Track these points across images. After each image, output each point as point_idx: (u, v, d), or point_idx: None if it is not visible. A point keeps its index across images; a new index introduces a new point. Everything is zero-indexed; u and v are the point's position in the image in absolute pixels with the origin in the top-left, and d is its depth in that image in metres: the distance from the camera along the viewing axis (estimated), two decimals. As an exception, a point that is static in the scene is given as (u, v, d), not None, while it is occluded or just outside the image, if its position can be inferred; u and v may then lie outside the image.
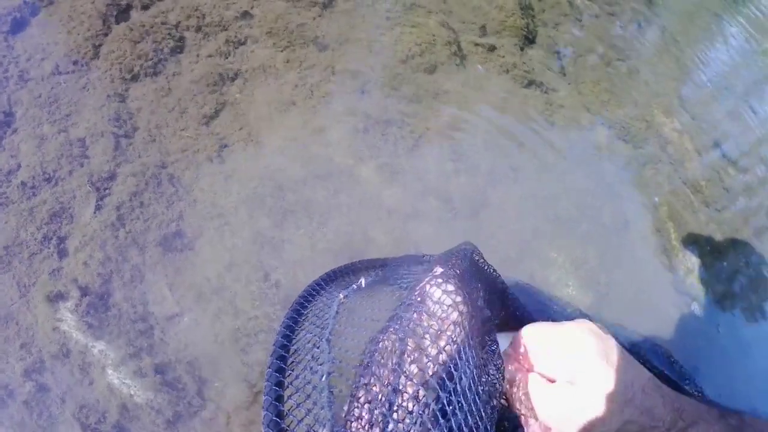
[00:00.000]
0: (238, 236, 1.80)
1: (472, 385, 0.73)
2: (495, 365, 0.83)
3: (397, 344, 0.75)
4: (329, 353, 0.88)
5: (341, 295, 1.06)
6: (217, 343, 1.60)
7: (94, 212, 1.70)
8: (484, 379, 0.78)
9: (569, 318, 1.43)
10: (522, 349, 0.83)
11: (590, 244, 2.23)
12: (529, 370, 0.82)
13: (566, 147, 2.54)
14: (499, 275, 1.10)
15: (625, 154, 2.66)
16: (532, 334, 0.83)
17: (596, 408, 0.72)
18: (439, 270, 0.81)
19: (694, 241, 2.42)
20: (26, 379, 1.43)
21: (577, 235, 2.24)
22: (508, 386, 0.82)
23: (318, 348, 0.90)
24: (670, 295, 2.23)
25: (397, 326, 0.77)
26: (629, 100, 2.90)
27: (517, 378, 0.82)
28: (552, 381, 0.78)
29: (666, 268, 2.31)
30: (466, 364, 0.74)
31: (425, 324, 0.76)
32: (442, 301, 0.78)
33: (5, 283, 1.55)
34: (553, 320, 1.14)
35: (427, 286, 0.80)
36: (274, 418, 0.74)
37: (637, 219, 2.43)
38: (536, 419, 0.78)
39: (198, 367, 1.56)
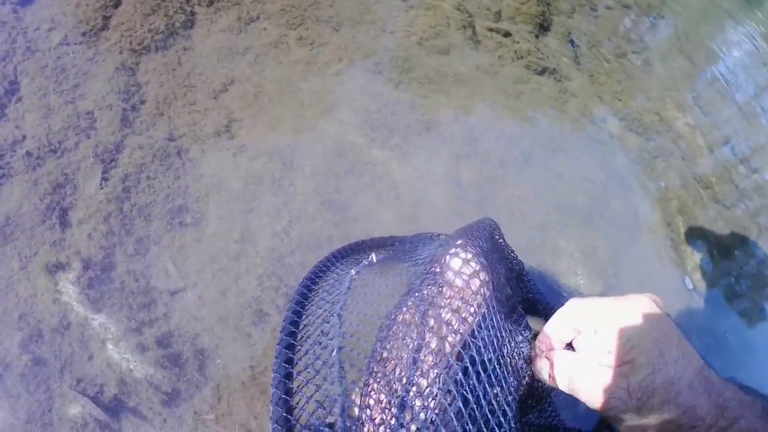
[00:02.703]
0: (245, 212, 1.77)
1: (492, 356, 0.71)
2: (523, 336, 0.81)
3: (416, 317, 0.72)
4: (340, 328, 0.85)
5: (353, 271, 1.03)
6: (220, 319, 1.58)
7: (100, 184, 1.67)
8: (507, 350, 0.75)
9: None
10: (566, 326, 0.79)
11: (600, 234, 2.21)
12: (567, 348, 0.78)
13: (578, 136, 2.51)
14: (516, 255, 1.08)
15: (637, 145, 2.63)
16: (577, 308, 0.79)
17: (630, 402, 0.69)
18: (459, 242, 0.79)
19: (702, 237, 2.40)
20: (23, 351, 1.41)
21: (588, 224, 2.22)
22: (545, 368, 0.79)
23: (328, 323, 0.88)
24: (676, 289, 2.21)
25: (415, 299, 0.75)
26: (642, 93, 2.88)
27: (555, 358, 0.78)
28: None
29: (673, 262, 2.29)
30: (488, 333, 0.72)
31: (445, 295, 0.73)
32: (462, 270, 0.75)
33: (6, 254, 1.52)
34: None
35: (447, 257, 0.77)
36: (283, 395, 0.72)
37: (647, 211, 2.41)
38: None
39: (200, 344, 1.54)
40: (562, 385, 0.76)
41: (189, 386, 1.48)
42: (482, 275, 0.75)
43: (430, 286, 0.75)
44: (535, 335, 0.89)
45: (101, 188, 1.67)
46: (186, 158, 1.81)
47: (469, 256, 0.76)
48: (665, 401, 0.68)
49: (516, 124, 2.40)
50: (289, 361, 0.78)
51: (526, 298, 1.10)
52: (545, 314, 1.09)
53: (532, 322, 1.11)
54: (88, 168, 1.69)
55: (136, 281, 1.57)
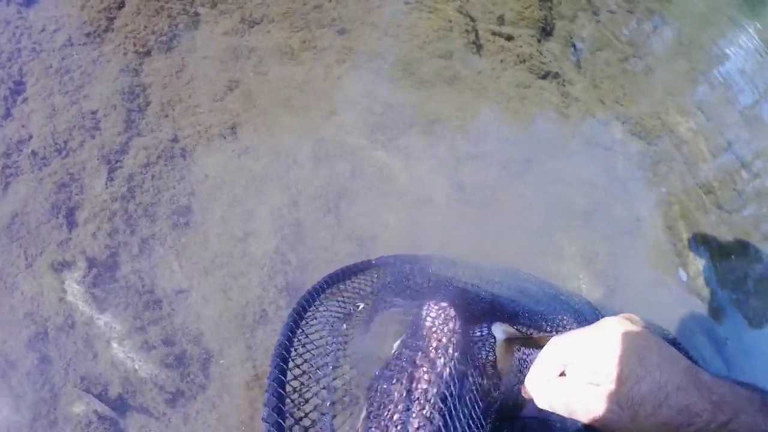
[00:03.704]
0: (249, 213, 1.78)
1: (465, 394, 0.76)
2: (488, 347, 0.85)
3: (403, 381, 0.78)
4: (333, 380, 0.90)
5: (344, 326, 1.05)
6: (224, 319, 1.59)
7: (106, 184, 1.68)
8: (478, 390, 0.80)
9: (573, 309, 1.43)
10: (551, 362, 0.81)
11: (602, 238, 2.21)
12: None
13: (580, 140, 2.52)
14: (482, 289, 1.11)
15: (639, 150, 2.64)
16: (557, 347, 0.81)
17: (622, 413, 0.70)
18: (432, 303, 0.86)
19: (704, 241, 2.41)
20: (29, 350, 1.41)
21: (589, 228, 2.22)
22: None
23: (322, 384, 0.91)
24: (677, 293, 2.22)
25: (398, 367, 0.81)
26: (645, 97, 2.88)
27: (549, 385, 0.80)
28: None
29: (675, 266, 2.29)
30: (460, 386, 0.78)
31: (424, 353, 0.80)
32: (435, 333, 0.82)
33: (12, 253, 1.53)
34: (553, 316, 1.14)
35: (421, 319, 0.84)
36: None
37: (649, 216, 2.42)
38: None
39: (204, 343, 1.55)
40: (561, 411, 0.78)
41: (193, 386, 1.49)
42: (451, 324, 0.80)
43: (410, 351, 0.80)
44: (519, 338, 0.92)
45: (107, 188, 1.68)
46: (190, 159, 1.82)
47: (442, 310, 0.82)
48: (656, 405, 0.69)
49: (518, 128, 2.41)
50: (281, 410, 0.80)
51: (504, 316, 1.13)
52: (529, 324, 1.12)
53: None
54: (94, 168, 1.70)
55: (141, 281, 1.58)
